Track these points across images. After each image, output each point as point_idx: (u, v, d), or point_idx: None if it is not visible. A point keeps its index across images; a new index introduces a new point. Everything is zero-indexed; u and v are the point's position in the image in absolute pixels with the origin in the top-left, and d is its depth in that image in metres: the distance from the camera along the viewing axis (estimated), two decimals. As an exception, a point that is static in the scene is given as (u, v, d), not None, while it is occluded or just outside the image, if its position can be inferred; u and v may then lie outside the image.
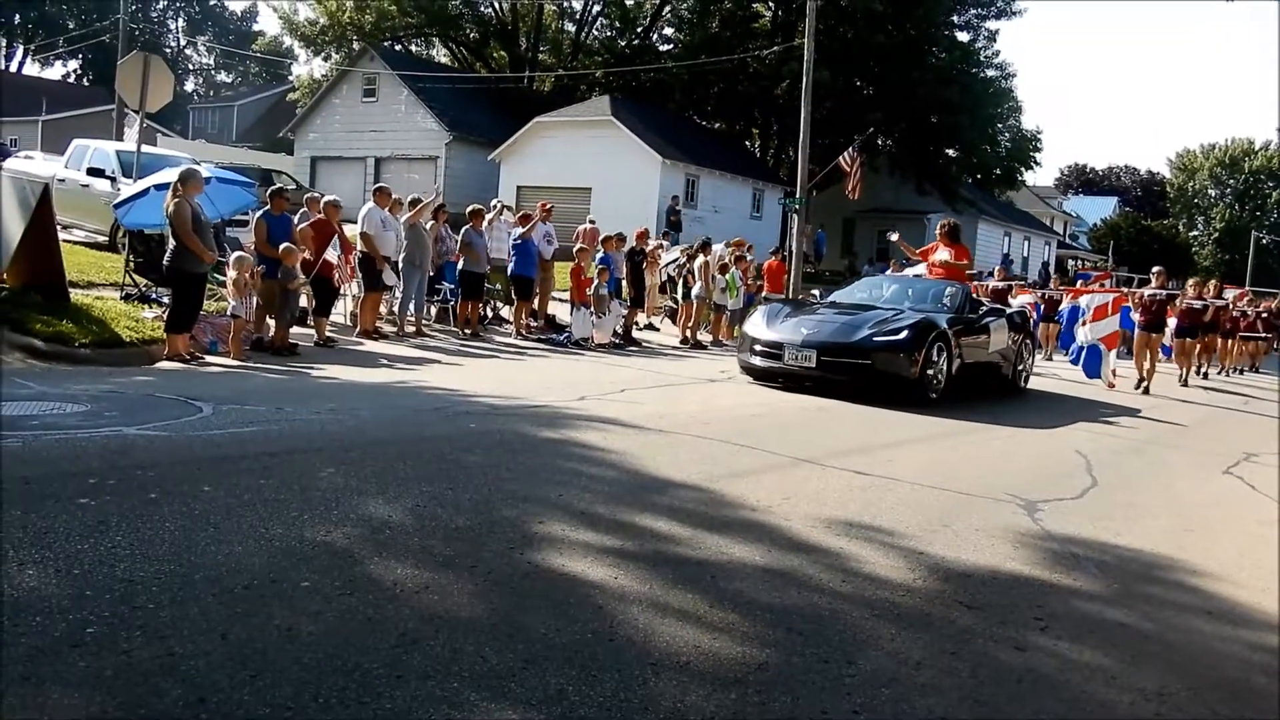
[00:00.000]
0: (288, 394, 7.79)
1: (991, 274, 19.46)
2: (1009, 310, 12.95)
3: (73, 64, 66.49)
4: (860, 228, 40.01)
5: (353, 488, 4.75)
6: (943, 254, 12.79)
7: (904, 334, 9.88)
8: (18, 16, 62.22)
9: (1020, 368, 12.38)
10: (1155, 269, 15.93)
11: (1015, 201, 50.50)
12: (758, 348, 10.59)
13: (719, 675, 3.05)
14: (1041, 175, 71.57)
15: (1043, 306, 19.29)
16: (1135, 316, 14.61)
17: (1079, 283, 22.95)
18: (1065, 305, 16.19)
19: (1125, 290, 16.46)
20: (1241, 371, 20.18)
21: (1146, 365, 14.03)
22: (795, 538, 4.64)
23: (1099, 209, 67.92)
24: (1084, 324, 14.18)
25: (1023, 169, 41.79)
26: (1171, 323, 15.69)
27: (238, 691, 2.63)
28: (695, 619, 3.49)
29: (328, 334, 11.21)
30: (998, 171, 40.60)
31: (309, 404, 7.25)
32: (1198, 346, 16.43)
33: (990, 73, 39.36)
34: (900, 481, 6.13)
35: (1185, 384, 15.47)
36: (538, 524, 4.42)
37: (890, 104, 35.41)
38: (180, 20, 70.26)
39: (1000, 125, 40.09)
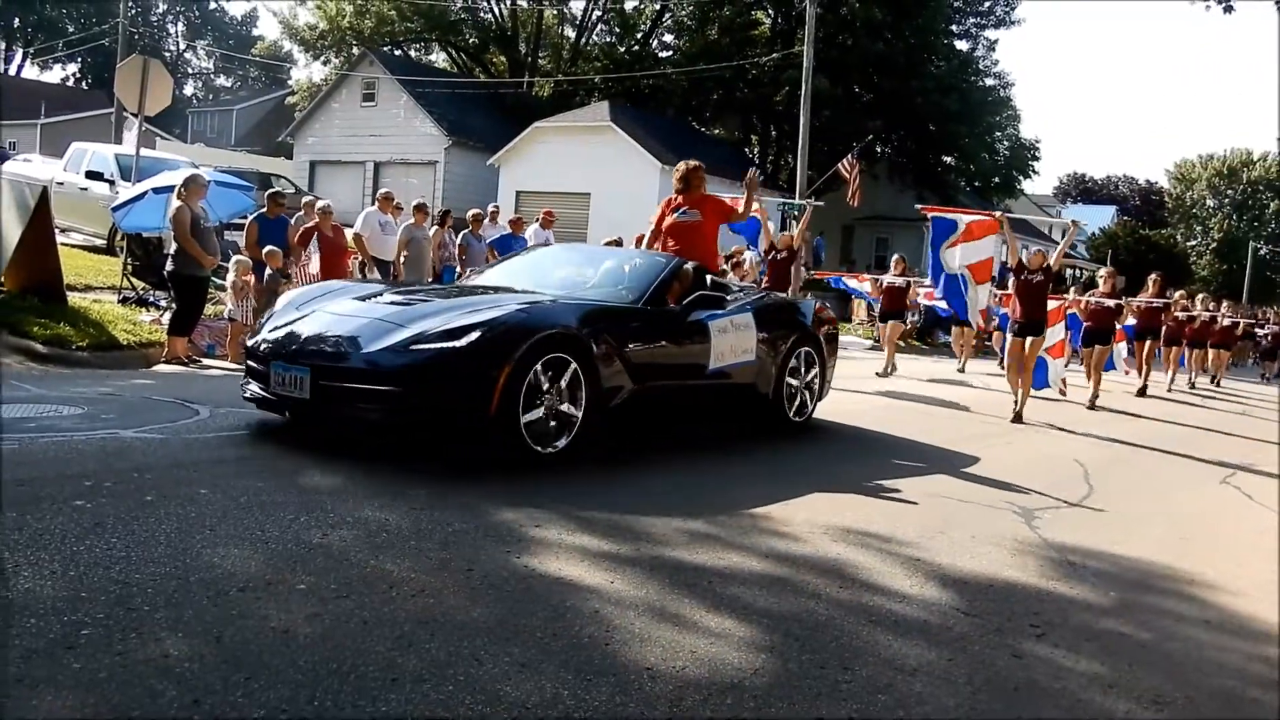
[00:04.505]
0: (285, 397, 7.77)
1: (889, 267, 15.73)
2: (762, 299, 7.84)
3: (72, 67, 66.47)
4: (859, 234, 40.08)
5: (349, 490, 4.74)
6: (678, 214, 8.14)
7: (466, 339, 5.41)
8: (17, 19, 62.21)
9: (795, 391, 7.78)
10: (1103, 270, 13.79)
11: (1014, 210, 50.57)
12: (249, 362, 6.18)
13: (715, 680, 3.04)
14: (1040, 184, 71.61)
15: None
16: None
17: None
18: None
19: (1069, 297, 14.16)
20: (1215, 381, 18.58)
21: (1073, 381, 11.81)
22: (792, 543, 4.63)
23: (1098, 218, 67.96)
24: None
25: (1021, 177, 41.92)
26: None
27: (232, 694, 2.63)
28: (691, 624, 3.49)
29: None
30: (996, 180, 40.70)
31: (306, 407, 7.22)
32: (1155, 350, 14.46)
33: (989, 81, 39.57)
34: (897, 488, 6.12)
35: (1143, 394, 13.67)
36: (535, 528, 4.41)
37: (889, 112, 35.56)
38: (180, 24, 70.28)
39: (999, 134, 40.25)
